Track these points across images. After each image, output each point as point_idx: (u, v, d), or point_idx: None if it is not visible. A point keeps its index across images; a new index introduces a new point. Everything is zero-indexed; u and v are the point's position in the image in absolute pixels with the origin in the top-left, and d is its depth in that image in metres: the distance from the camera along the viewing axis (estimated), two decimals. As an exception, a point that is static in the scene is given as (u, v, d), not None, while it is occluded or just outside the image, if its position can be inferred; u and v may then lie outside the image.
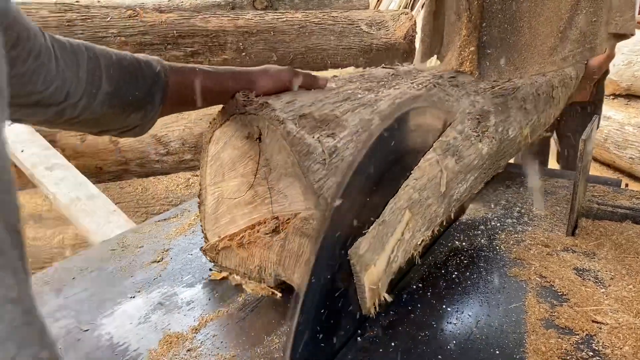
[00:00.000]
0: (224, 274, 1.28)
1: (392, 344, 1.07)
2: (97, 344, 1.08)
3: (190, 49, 3.12)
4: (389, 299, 1.03)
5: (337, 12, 3.38)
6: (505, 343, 1.07)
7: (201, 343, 1.07)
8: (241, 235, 1.16)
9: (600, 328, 1.11)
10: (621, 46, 4.92)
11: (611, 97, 4.82)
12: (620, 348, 1.04)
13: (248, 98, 1.02)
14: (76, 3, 3.23)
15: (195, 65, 1.08)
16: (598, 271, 1.32)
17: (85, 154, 2.41)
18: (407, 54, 3.56)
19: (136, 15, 3.03)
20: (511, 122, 1.50)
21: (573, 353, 1.03)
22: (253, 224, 1.15)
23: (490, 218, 1.62)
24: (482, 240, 1.48)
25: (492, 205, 1.71)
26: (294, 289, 1.10)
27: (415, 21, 3.71)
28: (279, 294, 1.18)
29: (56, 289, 1.30)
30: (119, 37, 2.98)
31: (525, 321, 1.14)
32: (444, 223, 1.33)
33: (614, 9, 1.42)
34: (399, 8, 4.72)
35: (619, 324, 1.11)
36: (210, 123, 1.13)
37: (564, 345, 1.05)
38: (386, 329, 1.11)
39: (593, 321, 1.13)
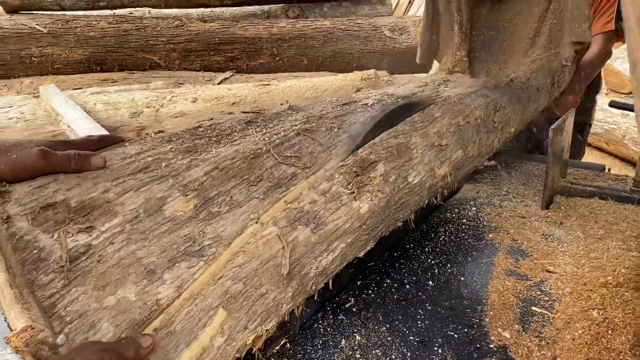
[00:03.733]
0: None
1: (384, 284, 1.39)
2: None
3: (230, 55, 3.48)
4: None
5: (362, 19, 3.69)
6: (474, 285, 1.38)
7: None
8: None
9: (551, 276, 1.40)
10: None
11: (630, 94, 4.98)
12: (562, 290, 1.33)
13: None
14: (130, 15, 3.65)
15: None
16: (561, 235, 1.60)
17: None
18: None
19: (182, 25, 3.41)
20: (413, 166, 1.28)
21: (525, 292, 1.33)
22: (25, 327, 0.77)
23: (480, 196, 1.92)
24: (470, 213, 1.78)
25: (484, 186, 2.01)
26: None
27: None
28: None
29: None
30: (168, 45, 3.37)
31: (492, 271, 1.44)
32: (439, 198, 1.56)
33: (572, 21, 1.70)
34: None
35: (566, 272, 1.40)
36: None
37: (518, 287, 1.35)
38: (380, 274, 1.43)
39: (546, 271, 1.42)
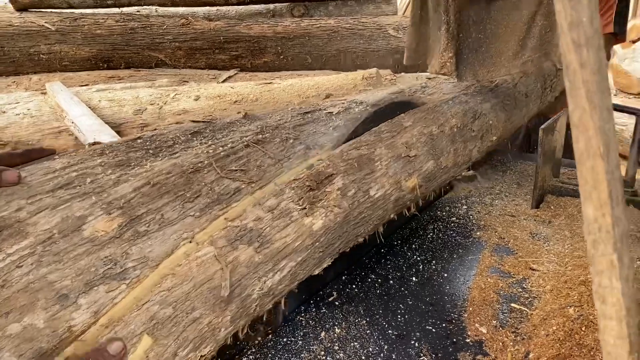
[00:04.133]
0: None
1: (368, 280, 1.42)
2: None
3: (235, 53, 3.52)
4: None
5: (367, 18, 3.71)
6: (456, 281, 1.40)
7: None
8: None
9: (534, 273, 1.42)
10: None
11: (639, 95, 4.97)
12: (544, 287, 1.35)
13: None
14: (137, 13, 3.70)
15: None
16: (549, 234, 1.61)
17: (144, 143, 2.83)
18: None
19: (188, 23, 3.45)
20: (376, 178, 1.22)
21: (506, 289, 1.35)
22: None
23: (472, 195, 1.93)
24: (460, 211, 1.80)
25: (478, 185, 2.03)
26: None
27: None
28: None
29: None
30: (173, 43, 3.42)
31: (476, 267, 1.46)
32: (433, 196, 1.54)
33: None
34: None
35: (548, 270, 1.41)
36: None
37: (500, 284, 1.37)
38: (365, 269, 1.46)
39: (530, 268, 1.44)
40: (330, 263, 1.13)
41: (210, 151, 0.95)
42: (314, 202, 1.04)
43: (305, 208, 1.02)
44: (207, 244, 0.83)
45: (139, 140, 0.93)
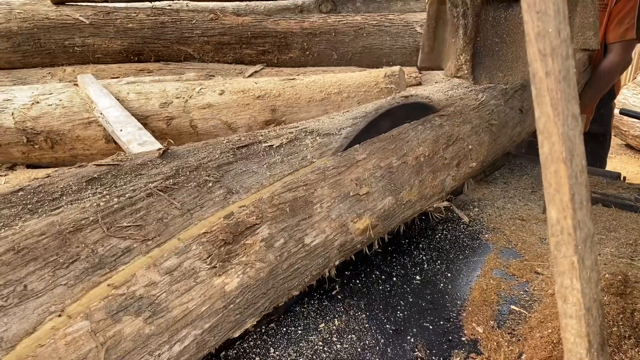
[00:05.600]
0: None
1: (373, 276, 1.45)
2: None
3: (261, 48, 3.58)
4: None
5: (394, 15, 3.71)
6: (459, 281, 1.42)
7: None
8: None
9: (538, 277, 1.43)
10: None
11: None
12: (546, 291, 1.36)
13: None
14: (168, 7, 3.80)
15: None
16: (557, 239, 1.62)
17: (169, 135, 2.92)
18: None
19: (217, 18, 3.52)
20: (313, 224, 1.09)
21: (507, 291, 1.37)
22: None
23: (485, 197, 1.94)
24: (471, 214, 1.81)
25: (492, 187, 2.03)
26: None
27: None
28: None
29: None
30: (202, 37, 3.49)
31: (480, 269, 1.48)
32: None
33: (577, 28, 1.69)
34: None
35: (553, 274, 1.42)
36: None
37: (502, 286, 1.39)
38: (370, 266, 1.50)
39: (534, 272, 1.45)
40: (254, 323, 1.03)
41: (102, 204, 0.83)
42: (227, 259, 0.92)
43: (215, 267, 0.89)
44: (81, 317, 0.71)
45: (20, 193, 0.82)
